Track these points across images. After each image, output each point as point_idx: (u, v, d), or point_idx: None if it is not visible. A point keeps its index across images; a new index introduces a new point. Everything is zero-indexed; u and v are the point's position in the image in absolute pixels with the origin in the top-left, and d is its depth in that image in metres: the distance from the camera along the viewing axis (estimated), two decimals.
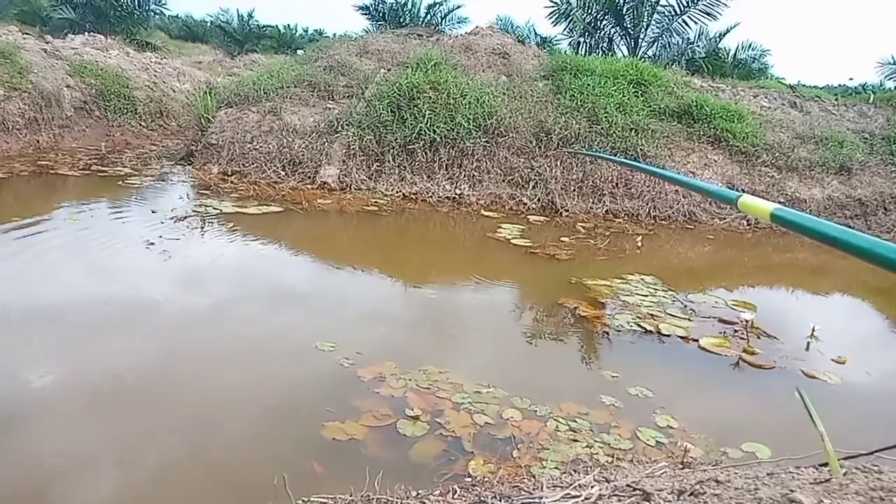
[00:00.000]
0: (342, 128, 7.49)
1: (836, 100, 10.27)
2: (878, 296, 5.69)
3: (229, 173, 7.23)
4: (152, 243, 4.82)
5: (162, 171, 7.45)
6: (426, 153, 7.37)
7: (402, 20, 16.58)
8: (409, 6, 17.75)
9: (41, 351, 3.05)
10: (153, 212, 5.68)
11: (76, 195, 6.45)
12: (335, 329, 3.66)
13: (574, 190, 7.34)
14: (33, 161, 7.16)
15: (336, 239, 5.97)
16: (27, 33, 11.47)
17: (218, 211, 5.89)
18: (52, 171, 6.87)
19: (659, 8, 13.37)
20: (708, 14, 13.07)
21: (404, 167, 7.36)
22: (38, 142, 7.78)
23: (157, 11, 20.78)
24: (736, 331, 4.08)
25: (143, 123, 9.54)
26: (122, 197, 6.49)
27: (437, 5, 17.71)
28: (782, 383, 3.45)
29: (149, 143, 9.04)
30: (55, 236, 4.99)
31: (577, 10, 13.19)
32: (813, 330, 4.07)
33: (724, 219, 7.36)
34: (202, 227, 5.51)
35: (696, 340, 3.88)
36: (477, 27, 11.06)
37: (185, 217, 5.61)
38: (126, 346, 3.21)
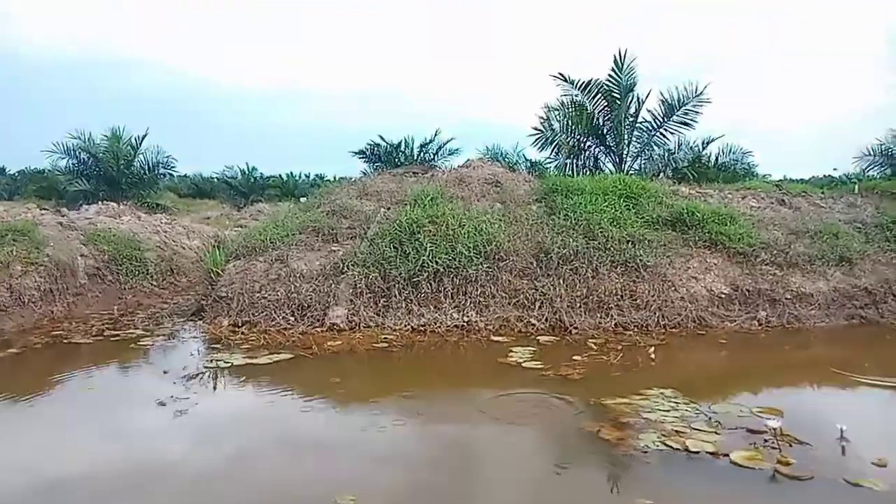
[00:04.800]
0: (347, 268, 7.69)
1: (823, 193, 10.59)
2: None
3: (239, 324, 7.32)
4: (164, 404, 4.80)
5: (173, 328, 7.56)
6: (431, 284, 7.50)
7: (397, 160, 17.49)
8: (403, 147, 18.82)
9: None
10: (165, 372, 5.70)
11: (89, 362, 6.50)
12: (354, 479, 3.55)
13: (580, 306, 7.37)
14: (47, 332, 7.29)
15: (348, 381, 5.92)
16: (45, 208, 12.14)
17: (229, 364, 5.90)
18: (65, 341, 6.98)
19: (637, 125, 14.14)
20: (685, 124, 13.81)
21: (411, 300, 7.46)
22: (52, 312, 7.96)
23: (167, 174, 22.01)
24: (766, 440, 3.94)
25: (155, 283, 9.81)
26: (134, 359, 6.55)
27: (430, 143, 18.77)
28: (825, 494, 3.28)
29: (160, 301, 9.24)
30: (67, 406, 5.01)
31: (560, 135, 13.95)
32: (842, 432, 3.92)
33: (735, 321, 7.32)
34: (214, 383, 5.51)
35: (727, 455, 3.73)
36: (469, 160, 11.68)
37: (197, 374, 5.63)
38: None
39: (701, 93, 13.25)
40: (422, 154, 18.63)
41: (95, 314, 8.28)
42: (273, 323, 7.26)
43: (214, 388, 5.45)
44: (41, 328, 7.47)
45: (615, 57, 13.22)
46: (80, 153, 18.90)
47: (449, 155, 18.32)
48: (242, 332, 7.05)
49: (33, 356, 6.52)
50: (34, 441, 4.29)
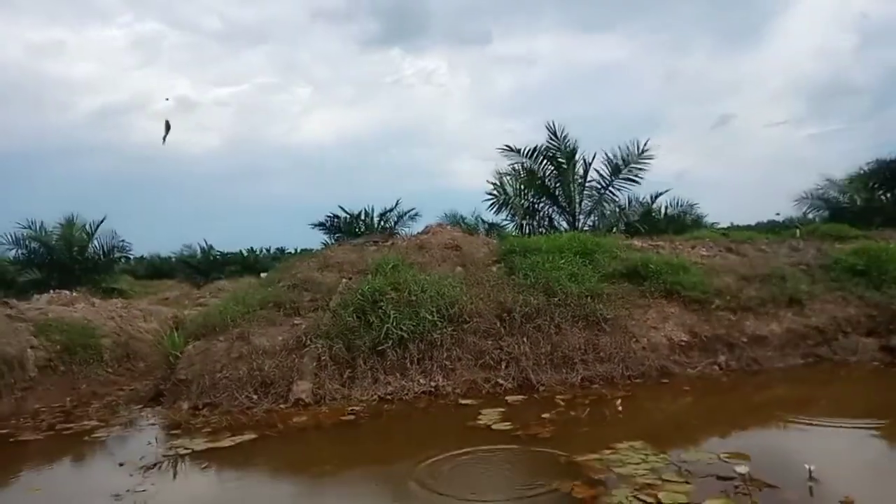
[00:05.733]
0: (311, 341, 7.59)
1: (768, 239, 11.07)
2: (865, 418, 5.68)
3: (200, 407, 7.08)
4: (119, 497, 4.57)
5: (130, 416, 7.26)
6: (396, 351, 7.45)
7: (357, 230, 17.65)
8: (363, 216, 19.03)
9: None
10: (120, 464, 5.44)
11: (38, 461, 6.14)
12: None
13: (546, 363, 7.41)
14: None
15: (315, 458, 5.76)
16: None
17: (189, 450, 5.67)
18: (11, 440, 6.60)
19: (588, 184, 14.71)
20: (631, 181, 14.46)
21: (377, 369, 7.38)
22: None
23: (123, 258, 21.63)
24: (736, 486, 3.97)
25: (110, 370, 9.44)
26: (88, 453, 6.23)
27: (390, 211, 19.03)
28: None
29: (116, 388, 8.88)
30: None
31: (514, 199, 14.36)
32: (810, 472, 3.98)
33: (696, 367, 7.46)
34: (174, 472, 5.28)
35: None
36: (428, 226, 11.86)
37: (155, 463, 5.38)
38: None
39: (643, 151, 13.96)
40: (382, 222, 18.85)
41: (46, 408, 7.89)
42: (236, 403, 7.04)
43: (174, 476, 5.22)
44: None
45: (548, 127, 13.96)
46: (30, 243, 18.50)
47: (409, 221, 18.59)
48: (203, 415, 6.81)
49: None
50: None
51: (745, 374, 7.37)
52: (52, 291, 12.66)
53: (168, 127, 10.58)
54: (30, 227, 18.33)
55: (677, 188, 31.20)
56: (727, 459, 4.48)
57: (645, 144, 13.97)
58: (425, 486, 4.39)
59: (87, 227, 19.11)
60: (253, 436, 6.01)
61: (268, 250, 37.34)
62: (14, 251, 18.84)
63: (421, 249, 9.80)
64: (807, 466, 4.03)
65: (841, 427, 5.51)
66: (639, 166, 14.10)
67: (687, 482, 4.13)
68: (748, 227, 18.08)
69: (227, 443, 5.86)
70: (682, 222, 15.93)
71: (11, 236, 18.22)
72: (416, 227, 15.70)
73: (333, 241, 16.92)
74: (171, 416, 6.93)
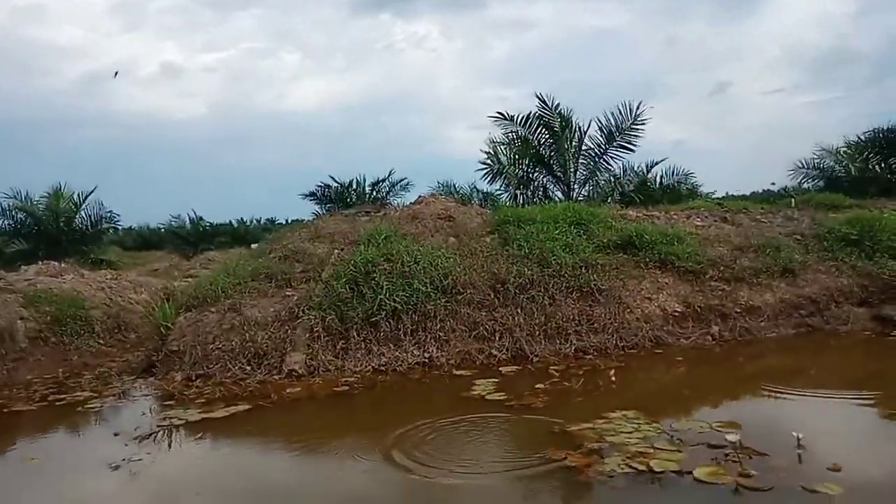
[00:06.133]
0: (303, 312, 7.55)
1: (763, 208, 11.04)
2: (854, 387, 5.73)
3: (193, 378, 7.07)
4: (116, 467, 4.56)
5: (123, 387, 7.24)
6: (390, 322, 7.43)
7: (348, 200, 17.51)
8: (355, 185, 18.87)
9: None
10: (116, 434, 5.43)
11: (32, 431, 6.15)
12: None
13: (539, 334, 7.42)
14: None
15: (311, 428, 5.77)
16: None
17: (184, 421, 5.67)
18: (5, 410, 6.59)
19: (582, 153, 14.57)
20: (626, 149, 14.32)
21: (370, 340, 7.37)
22: None
23: (111, 229, 21.43)
24: (727, 454, 3.99)
25: (102, 341, 9.39)
26: (82, 423, 6.23)
27: (382, 181, 18.86)
28: (785, 503, 3.33)
29: (108, 360, 8.84)
30: (8, 480, 4.71)
31: (508, 168, 14.24)
32: (798, 440, 4.01)
33: (689, 337, 7.49)
34: (168, 442, 5.28)
35: (690, 472, 3.77)
36: (421, 196, 11.78)
37: (150, 434, 5.38)
38: None
39: (638, 114, 13.77)
40: (374, 192, 18.70)
41: (38, 379, 7.86)
42: (229, 374, 7.03)
43: (169, 446, 5.22)
44: None
45: (538, 96, 13.74)
46: (16, 213, 18.26)
47: (402, 191, 18.45)
48: (197, 386, 6.80)
49: None
50: None
51: (738, 344, 7.41)
52: (40, 262, 12.53)
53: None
54: (15, 198, 18.06)
55: (674, 157, 31.19)
56: (719, 428, 4.51)
57: (638, 108, 13.77)
58: (412, 457, 4.39)
59: (76, 197, 18.86)
60: (247, 406, 6.01)
61: (258, 221, 37.19)
62: (0, 222, 18.61)
63: (414, 220, 9.72)
64: (794, 434, 4.06)
65: (831, 397, 5.56)
66: (633, 132, 13.95)
67: (678, 450, 4.16)
68: (743, 197, 18.03)
69: (220, 413, 5.85)
70: (678, 192, 15.83)
71: None
72: (409, 198, 15.62)
73: (324, 211, 16.81)
74: (164, 386, 6.92)
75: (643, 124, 13.87)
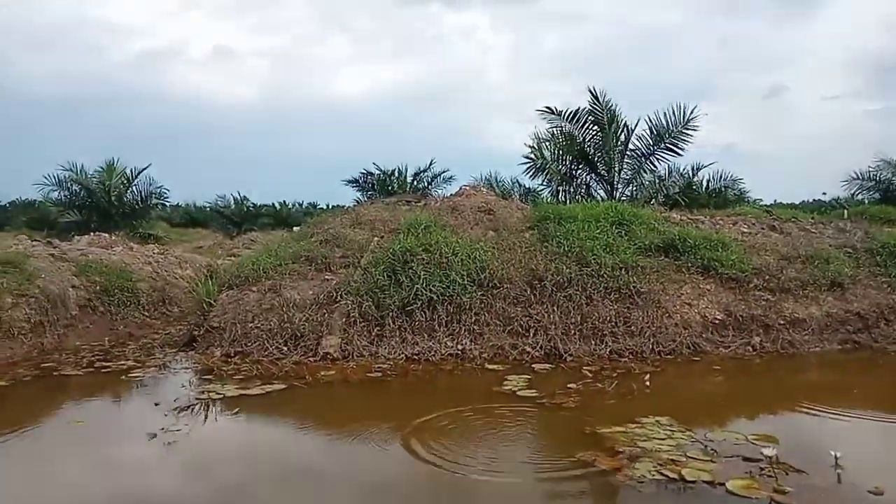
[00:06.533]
0: (341, 297, 7.66)
1: (813, 218, 10.70)
2: None
3: (232, 354, 7.26)
4: (154, 436, 4.74)
5: (165, 359, 7.48)
6: (425, 312, 7.48)
7: (390, 188, 17.60)
8: (397, 175, 18.96)
9: None
10: (156, 404, 5.63)
11: (79, 395, 6.43)
12: None
13: (575, 333, 7.36)
14: (37, 364, 7.19)
15: (343, 411, 5.87)
16: (36, 239, 12.08)
17: (221, 395, 5.84)
18: (55, 373, 6.89)
19: (628, 152, 14.32)
20: (672, 151, 13.99)
21: (405, 328, 7.43)
22: (42, 344, 7.87)
23: (160, 205, 22.04)
24: (762, 469, 3.91)
25: (147, 313, 9.73)
26: (125, 391, 6.48)
27: (424, 171, 18.90)
28: None
29: (152, 332, 9.16)
30: (57, 439, 4.95)
31: (551, 164, 14.10)
32: (836, 459, 3.89)
33: (729, 347, 7.32)
34: (205, 415, 5.44)
35: (723, 484, 3.70)
36: (462, 187, 11.77)
37: (188, 406, 5.56)
38: None
39: (689, 119, 13.43)
40: (415, 182, 18.76)
41: (86, 346, 8.19)
42: (266, 353, 7.20)
43: (206, 419, 5.38)
44: (31, 360, 7.37)
45: (590, 91, 13.50)
46: (71, 185, 18.96)
47: (443, 182, 18.46)
48: (235, 363, 6.98)
49: (22, 389, 6.43)
50: (23, 474, 4.22)
51: (780, 356, 7.20)
52: (91, 234, 13.01)
53: None
54: (71, 170, 18.75)
55: (723, 161, 30.31)
56: (755, 441, 4.41)
57: (691, 112, 13.44)
58: (439, 450, 4.42)
59: (129, 172, 19.45)
60: (282, 386, 6.15)
61: (300, 204, 37.74)
62: (57, 193, 19.33)
63: (454, 211, 9.74)
64: (832, 453, 3.94)
65: (875, 419, 5.36)
66: (683, 136, 13.61)
67: (712, 461, 4.08)
68: (792, 206, 17.53)
69: (256, 391, 6.00)
70: (724, 197, 15.45)
71: (55, 177, 18.69)
72: (450, 189, 15.59)
73: (366, 198, 16.94)
74: (204, 361, 7.12)
75: (695, 129, 13.53)
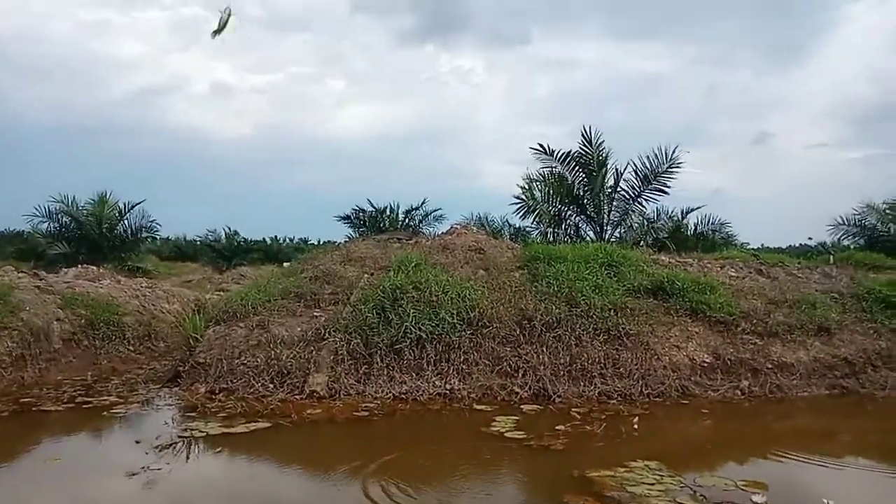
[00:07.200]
0: (329, 334, 7.61)
1: (800, 263, 10.81)
2: (890, 456, 5.51)
3: (217, 391, 7.14)
4: (134, 474, 4.63)
5: (148, 395, 7.36)
6: (413, 351, 7.43)
7: (381, 226, 17.67)
8: (388, 212, 19.05)
9: None
10: (137, 441, 5.51)
11: (58, 431, 6.28)
12: None
13: (563, 374, 7.32)
14: (16, 399, 7.03)
15: (328, 451, 5.77)
16: (23, 270, 11.96)
17: (204, 434, 5.73)
18: (34, 409, 6.74)
19: (617, 194, 14.53)
20: (659, 191, 14.26)
21: (393, 367, 7.37)
22: (22, 378, 7.72)
23: (150, 238, 21.94)
24: None
25: (132, 348, 9.59)
26: (106, 428, 6.34)
27: (415, 209, 19.01)
28: None
29: (136, 367, 9.02)
30: (32, 477, 4.81)
31: (542, 204, 14.26)
32: None
33: (718, 390, 7.30)
34: (187, 453, 5.33)
35: None
36: (453, 226, 11.83)
37: (170, 444, 5.44)
38: None
39: (672, 159, 13.76)
40: (407, 220, 18.84)
41: (68, 380, 8.04)
42: (251, 390, 7.09)
43: (188, 458, 5.26)
44: (9, 395, 7.21)
45: (583, 132, 13.82)
46: (61, 217, 18.85)
47: (434, 221, 18.56)
48: (219, 400, 6.87)
49: None
50: None
51: (768, 401, 7.19)
52: (79, 266, 12.90)
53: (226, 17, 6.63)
54: (62, 202, 18.67)
55: (711, 205, 30.83)
56: (744, 487, 4.38)
57: (674, 152, 13.81)
58: (423, 490, 4.35)
59: (121, 205, 19.40)
60: (267, 424, 6.04)
61: (291, 240, 37.75)
62: (46, 224, 19.22)
63: (444, 250, 9.77)
64: (825, 501, 3.91)
65: (863, 468, 5.34)
66: (667, 175, 13.92)
67: None
68: (779, 250, 17.72)
69: (241, 429, 5.90)
70: (712, 240, 15.62)
71: (45, 209, 18.60)
72: (441, 228, 15.67)
73: (357, 235, 16.97)
74: (188, 398, 7.00)
75: (678, 167, 13.88)
